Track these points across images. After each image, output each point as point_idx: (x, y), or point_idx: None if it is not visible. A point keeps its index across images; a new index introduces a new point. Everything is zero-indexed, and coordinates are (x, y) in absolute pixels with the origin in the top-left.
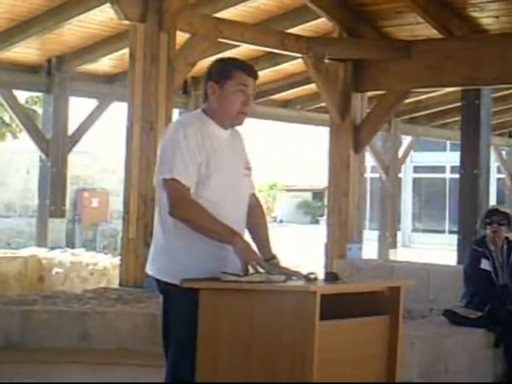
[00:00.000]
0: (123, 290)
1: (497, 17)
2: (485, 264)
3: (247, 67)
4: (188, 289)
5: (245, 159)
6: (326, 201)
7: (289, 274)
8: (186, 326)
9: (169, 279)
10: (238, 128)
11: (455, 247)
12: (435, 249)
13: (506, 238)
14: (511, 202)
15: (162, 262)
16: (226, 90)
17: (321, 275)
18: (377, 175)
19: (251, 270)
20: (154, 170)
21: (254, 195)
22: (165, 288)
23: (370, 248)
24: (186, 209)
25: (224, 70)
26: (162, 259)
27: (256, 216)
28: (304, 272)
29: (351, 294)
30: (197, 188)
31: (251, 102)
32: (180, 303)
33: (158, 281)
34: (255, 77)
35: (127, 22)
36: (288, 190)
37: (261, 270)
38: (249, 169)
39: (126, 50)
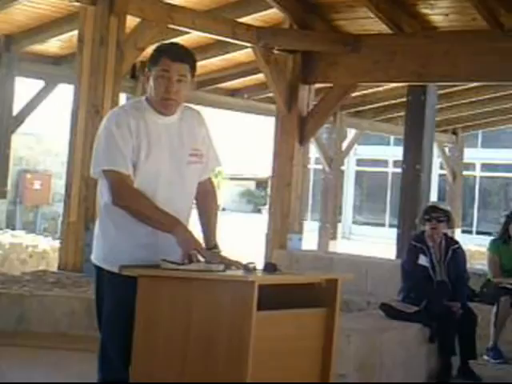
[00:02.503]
0: (62, 273)
1: (446, 14)
2: (423, 260)
3: (172, 52)
4: (120, 274)
5: (194, 145)
6: (269, 190)
7: (228, 263)
8: (116, 309)
9: (102, 264)
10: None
11: (395, 241)
12: (375, 242)
13: (445, 235)
14: (452, 199)
15: (97, 248)
16: (152, 76)
17: (261, 265)
18: (320, 167)
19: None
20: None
21: (208, 181)
22: (99, 272)
23: (310, 239)
24: (129, 197)
25: (153, 57)
26: (98, 245)
27: (206, 203)
28: (244, 262)
29: (289, 286)
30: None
31: (174, 87)
32: (111, 287)
33: (94, 264)
34: (181, 61)
35: (77, 4)
36: (232, 179)
37: (201, 259)
38: (196, 155)
39: (76, 32)
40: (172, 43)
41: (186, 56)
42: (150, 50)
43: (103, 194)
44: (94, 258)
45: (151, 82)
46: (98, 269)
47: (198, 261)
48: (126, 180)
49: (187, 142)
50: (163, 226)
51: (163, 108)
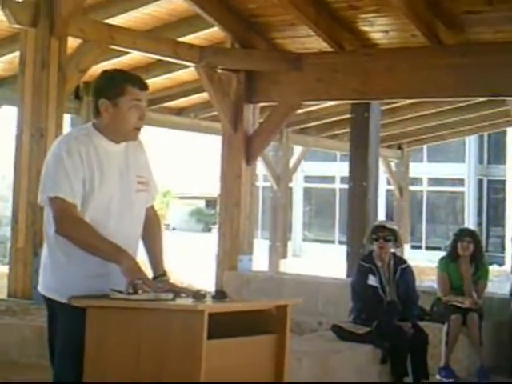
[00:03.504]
0: (11, 300)
1: (386, 31)
2: (372, 280)
3: (138, 81)
4: (71, 305)
5: (139, 173)
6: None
7: (178, 291)
8: (69, 340)
9: (52, 296)
10: (139, 139)
11: (344, 258)
12: (325, 259)
13: (393, 254)
14: (400, 214)
15: (46, 277)
16: (121, 107)
17: (211, 289)
18: (269, 184)
19: (138, 290)
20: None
21: (152, 208)
22: (50, 303)
23: (261, 258)
24: (72, 227)
25: (115, 86)
26: (46, 276)
27: (151, 230)
28: (194, 288)
29: (239, 312)
30: (81, 204)
31: (145, 116)
32: (63, 318)
33: (43, 296)
34: (147, 89)
35: (18, 26)
36: (181, 198)
37: (146, 289)
38: (143, 183)
39: (17, 54)
40: (122, 71)
41: (147, 84)
42: (93, 71)
43: (50, 223)
44: (44, 288)
45: (117, 113)
46: (48, 300)
47: (146, 290)
48: (71, 209)
49: (133, 170)
50: (107, 255)
51: (132, 137)
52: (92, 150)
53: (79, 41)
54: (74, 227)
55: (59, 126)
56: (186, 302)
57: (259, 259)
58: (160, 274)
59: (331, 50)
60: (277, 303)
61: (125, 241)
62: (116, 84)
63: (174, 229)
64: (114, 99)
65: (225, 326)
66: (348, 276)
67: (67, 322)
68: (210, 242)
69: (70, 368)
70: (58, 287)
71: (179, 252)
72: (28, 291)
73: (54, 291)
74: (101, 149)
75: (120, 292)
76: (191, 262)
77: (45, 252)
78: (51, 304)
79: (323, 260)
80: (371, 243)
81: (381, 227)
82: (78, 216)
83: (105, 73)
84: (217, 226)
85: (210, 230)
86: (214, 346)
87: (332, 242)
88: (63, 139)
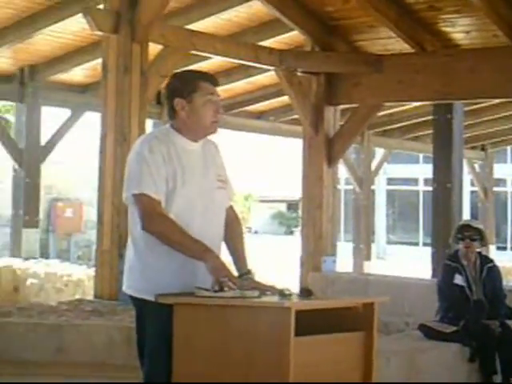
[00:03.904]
0: (98, 302)
1: (468, 32)
2: (458, 279)
3: (209, 76)
4: (160, 304)
5: (218, 171)
6: (300, 212)
7: (263, 289)
8: (159, 340)
9: (139, 295)
10: (213, 140)
11: (429, 259)
12: (409, 261)
13: (479, 253)
14: (484, 216)
15: (133, 277)
16: (196, 103)
17: (296, 289)
18: (350, 187)
19: (224, 288)
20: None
21: (231, 208)
22: (138, 303)
23: (344, 260)
24: (159, 223)
25: (187, 84)
26: (133, 275)
27: (233, 229)
28: (278, 287)
29: (325, 310)
30: (165, 202)
31: (221, 109)
32: (152, 317)
33: (130, 296)
34: (218, 84)
35: (100, 33)
36: (263, 201)
37: (232, 287)
38: (222, 181)
39: (99, 60)
40: (191, 70)
41: (217, 79)
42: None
43: (136, 222)
44: (131, 288)
45: (193, 109)
46: (136, 299)
47: (232, 288)
48: (156, 205)
49: (212, 168)
50: (193, 252)
51: (211, 131)
52: (172, 149)
53: (160, 46)
54: (160, 224)
55: (142, 130)
56: (272, 299)
57: (342, 262)
58: (245, 272)
59: (412, 51)
60: (364, 301)
61: (209, 239)
62: (188, 82)
63: (256, 232)
64: (188, 97)
65: (311, 324)
66: (433, 277)
67: (156, 322)
68: (293, 244)
69: (161, 368)
70: (146, 286)
71: (262, 255)
72: (114, 292)
73: (142, 291)
74: (180, 148)
75: (206, 290)
76: (274, 265)
77: (130, 252)
78: (139, 304)
79: (407, 262)
80: (457, 243)
81: (466, 226)
82: (164, 213)
83: (175, 75)
84: (299, 229)
85: (292, 232)
86: (302, 342)
87: (416, 244)
88: (145, 139)
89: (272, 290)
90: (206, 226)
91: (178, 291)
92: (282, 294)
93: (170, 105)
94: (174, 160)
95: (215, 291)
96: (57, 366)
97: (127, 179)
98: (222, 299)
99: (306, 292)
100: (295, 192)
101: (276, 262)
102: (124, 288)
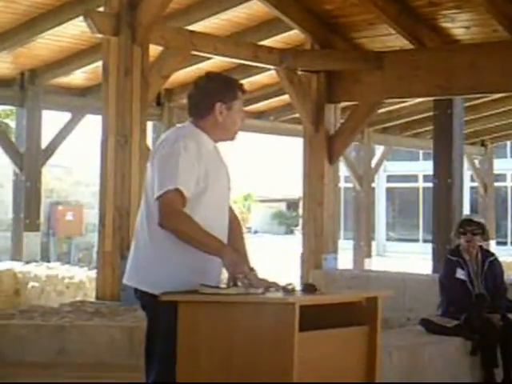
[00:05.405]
0: (100, 303)
1: (468, 27)
2: (460, 273)
3: (242, 85)
4: (170, 301)
5: (228, 172)
6: (300, 211)
7: (267, 285)
8: (170, 338)
9: (150, 290)
10: None
11: (429, 256)
12: (409, 258)
13: (480, 247)
14: (484, 211)
15: (147, 273)
16: (233, 110)
17: (298, 286)
18: (350, 185)
19: (239, 283)
20: (131, 181)
21: (230, 208)
22: (147, 299)
23: (345, 258)
24: (176, 220)
25: (230, 91)
26: (146, 271)
27: (233, 228)
28: (281, 283)
29: (329, 305)
30: (192, 201)
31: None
32: (163, 314)
33: (139, 292)
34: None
35: (100, 36)
36: (262, 201)
37: (245, 282)
38: (230, 182)
39: (99, 63)
40: (228, 77)
41: None
42: (173, 77)
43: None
44: (146, 284)
45: (230, 115)
46: (151, 296)
47: (250, 284)
48: (177, 203)
49: (225, 168)
50: (210, 248)
51: (233, 138)
52: (203, 148)
53: (161, 48)
54: (177, 220)
55: (143, 132)
56: (276, 295)
57: (343, 259)
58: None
59: (412, 47)
60: (367, 295)
61: (221, 235)
62: (231, 89)
63: (255, 232)
64: (229, 102)
65: (315, 318)
66: (434, 273)
67: (167, 319)
68: (293, 243)
69: (172, 369)
70: (160, 282)
71: (262, 254)
72: (116, 293)
73: (155, 286)
74: (204, 147)
75: (210, 287)
76: (275, 264)
77: (146, 248)
78: (148, 299)
79: (408, 259)
80: (458, 237)
81: (468, 221)
82: (182, 210)
83: (213, 77)
84: (299, 228)
85: (292, 232)
86: (306, 337)
87: (416, 240)
88: (179, 136)
89: (276, 286)
90: (222, 224)
91: (189, 288)
92: (285, 289)
93: (205, 105)
94: (204, 160)
95: (222, 287)
96: (59, 367)
97: (162, 176)
98: (226, 296)
99: (310, 287)
100: (295, 191)
101: (277, 262)
102: (132, 281)
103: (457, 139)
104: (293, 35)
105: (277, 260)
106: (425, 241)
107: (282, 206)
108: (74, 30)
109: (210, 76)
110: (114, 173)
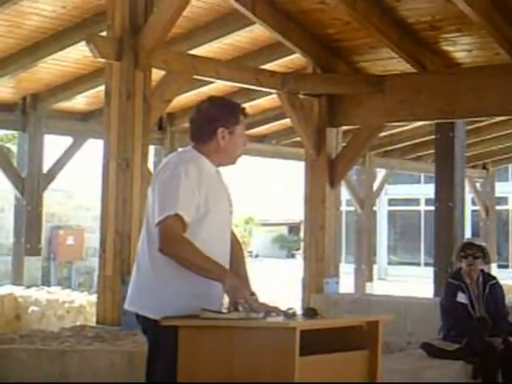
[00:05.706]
0: (100, 327)
1: (469, 50)
2: (461, 297)
3: (245, 110)
4: (171, 326)
5: (229, 196)
6: (301, 235)
7: (268, 309)
8: (171, 363)
9: (151, 315)
10: None
11: (431, 279)
12: (411, 281)
13: (482, 271)
14: (486, 234)
15: (148, 298)
16: (236, 135)
17: (299, 310)
18: (352, 208)
19: (240, 308)
20: (132, 206)
21: (232, 231)
22: (149, 324)
23: (346, 281)
24: (176, 245)
25: (232, 116)
26: (147, 296)
27: (235, 252)
28: (282, 308)
29: (330, 329)
30: (193, 226)
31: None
32: (164, 339)
33: (141, 317)
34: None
35: (103, 60)
36: (264, 225)
37: (245, 307)
38: (232, 206)
39: (101, 88)
40: (231, 100)
41: None
42: (175, 102)
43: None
44: (147, 309)
45: (232, 140)
46: (153, 321)
47: (245, 308)
48: (178, 228)
49: (227, 192)
50: (211, 274)
51: (234, 163)
52: (204, 174)
53: (163, 72)
54: (177, 246)
55: (145, 156)
56: (277, 320)
57: (344, 283)
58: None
59: (414, 70)
60: (368, 319)
61: (223, 260)
62: (233, 113)
63: (257, 256)
64: (231, 127)
65: (315, 342)
66: (436, 296)
67: (168, 344)
68: (295, 267)
69: None
70: (161, 307)
71: (264, 278)
72: (116, 318)
73: (155, 311)
74: (205, 172)
75: (212, 311)
76: (276, 288)
77: (146, 273)
78: (149, 324)
79: (409, 282)
80: (460, 261)
81: (469, 244)
82: (182, 235)
83: (216, 102)
84: (300, 252)
85: (293, 255)
86: (307, 362)
87: (418, 264)
88: (180, 161)
89: (276, 310)
90: (223, 249)
91: (191, 313)
92: (286, 314)
93: (207, 130)
94: (205, 185)
95: (223, 312)
96: None
97: (163, 201)
98: (226, 321)
99: (311, 311)
100: (296, 215)
101: (278, 286)
102: (133, 307)
103: (458, 162)
104: (295, 59)
105: (278, 284)
106: (426, 264)
107: (284, 230)
108: (77, 55)
109: (212, 101)
110: (115, 197)
